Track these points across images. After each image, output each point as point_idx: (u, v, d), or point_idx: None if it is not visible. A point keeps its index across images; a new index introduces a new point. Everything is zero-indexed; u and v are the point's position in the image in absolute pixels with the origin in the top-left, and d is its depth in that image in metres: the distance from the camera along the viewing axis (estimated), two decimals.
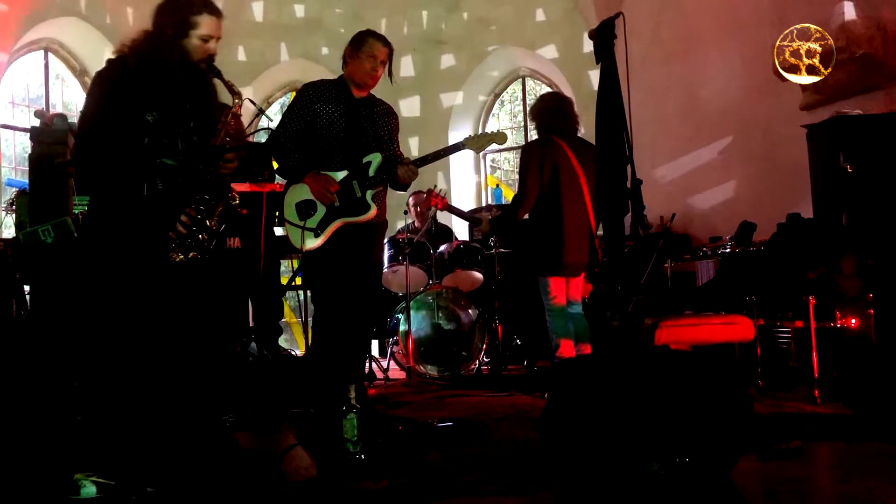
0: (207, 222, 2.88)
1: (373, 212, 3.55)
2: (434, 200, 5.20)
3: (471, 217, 5.56)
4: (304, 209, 3.46)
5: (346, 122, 3.59)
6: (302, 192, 3.52)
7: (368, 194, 3.55)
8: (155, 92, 2.85)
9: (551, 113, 4.56)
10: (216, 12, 2.95)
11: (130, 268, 2.80)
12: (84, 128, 2.94)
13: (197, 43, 2.90)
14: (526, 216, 4.53)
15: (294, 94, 3.75)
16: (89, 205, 3.05)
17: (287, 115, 3.66)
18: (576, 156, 4.47)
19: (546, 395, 4.40)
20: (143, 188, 2.82)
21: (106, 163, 2.81)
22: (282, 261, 5.19)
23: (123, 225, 2.80)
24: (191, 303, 2.90)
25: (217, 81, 2.98)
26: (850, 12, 5.10)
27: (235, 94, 2.93)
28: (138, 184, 2.82)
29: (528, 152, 4.51)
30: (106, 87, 2.86)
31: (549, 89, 8.75)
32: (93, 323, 3.31)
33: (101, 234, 2.90)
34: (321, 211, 3.51)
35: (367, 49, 3.59)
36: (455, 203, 7.21)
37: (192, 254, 2.84)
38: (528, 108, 8.51)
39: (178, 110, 2.92)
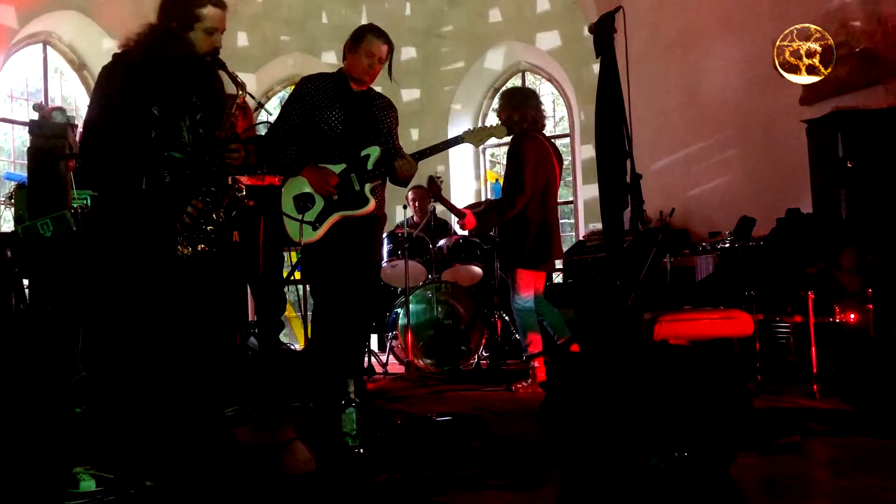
0: (214, 214, 2.89)
1: (371, 205, 3.53)
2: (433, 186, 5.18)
3: (457, 210, 5.51)
4: (303, 202, 3.44)
5: (344, 115, 3.57)
6: (300, 185, 3.51)
7: (367, 188, 3.53)
8: (160, 85, 2.86)
9: (534, 109, 4.58)
10: (221, 5, 2.96)
11: (137, 261, 2.81)
12: (91, 122, 2.94)
13: (202, 36, 2.91)
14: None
15: (293, 87, 3.74)
16: (97, 198, 3.04)
17: (285, 108, 3.64)
18: (553, 153, 4.53)
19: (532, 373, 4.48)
20: (149, 181, 2.83)
21: (112, 156, 2.81)
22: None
23: (130, 217, 2.81)
24: (197, 296, 2.91)
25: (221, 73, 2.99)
26: (849, 7, 5.09)
27: (239, 85, 2.94)
28: (144, 176, 2.82)
29: (524, 145, 4.51)
30: (112, 81, 2.87)
31: (550, 84, 8.75)
32: (99, 315, 3.31)
33: (107, 227, 2.90)
34: (319, 204, 3.49)
35: (365, 46, 3.55)
36: (454, 199, 7.19)
37: (200, 246, 2.85)
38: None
39: (184, 103, 2.93)
